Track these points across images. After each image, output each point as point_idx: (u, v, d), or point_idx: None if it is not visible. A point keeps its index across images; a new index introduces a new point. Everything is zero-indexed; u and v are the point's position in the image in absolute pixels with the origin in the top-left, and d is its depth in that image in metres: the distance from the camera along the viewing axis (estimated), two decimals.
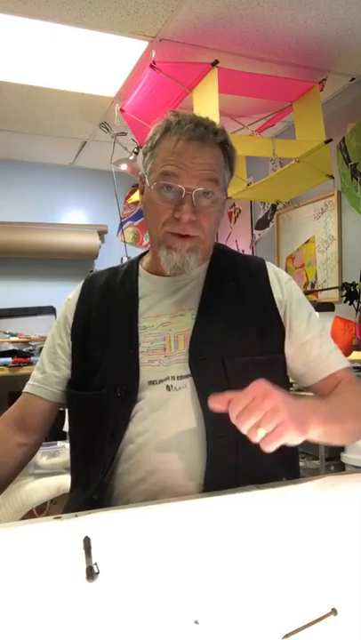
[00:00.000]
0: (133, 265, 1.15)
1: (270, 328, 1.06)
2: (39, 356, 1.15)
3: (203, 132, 0.98)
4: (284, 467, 1.05)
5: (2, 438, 1.09)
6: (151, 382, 1.00)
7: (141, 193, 1.09)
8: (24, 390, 1.14)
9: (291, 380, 1.14)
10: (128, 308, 1.07)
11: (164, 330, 1.03)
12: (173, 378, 0.99)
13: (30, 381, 1.14)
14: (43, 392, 1.11)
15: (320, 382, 1.09)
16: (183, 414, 0.98)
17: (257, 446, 0.98)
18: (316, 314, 1.17)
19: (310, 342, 1.09)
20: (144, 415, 0.98)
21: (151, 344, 1.02)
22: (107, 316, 1.07)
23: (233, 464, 0.97)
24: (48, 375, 1.11)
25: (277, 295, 1.09)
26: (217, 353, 1.00)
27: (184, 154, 0.97)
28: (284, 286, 1.11)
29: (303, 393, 1.16)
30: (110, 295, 1.10)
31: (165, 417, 0.98)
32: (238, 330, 1.03)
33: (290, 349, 1.08)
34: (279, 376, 1.07)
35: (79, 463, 1.09)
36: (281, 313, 1.08)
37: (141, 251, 1.21)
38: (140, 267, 1.14)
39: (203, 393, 0.97)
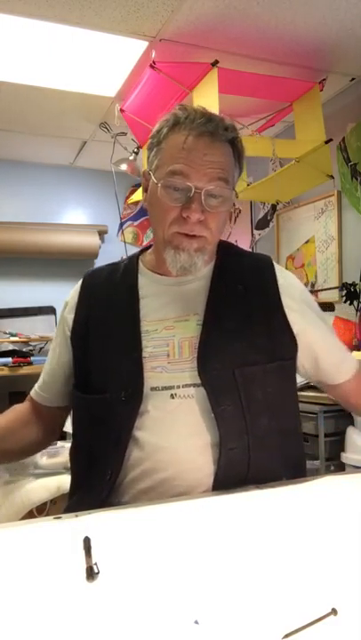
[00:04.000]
0: (133, 262, 1.11)
1: (280, 334, 1.03)
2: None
3: (213, 127, 0.95)
4: (295, 472, 1.03)
5: (23, 416, 1.13)
6: (154, 389, 0.97)
7: (145, 190, 1.04)
8: (30, 395, 1.16)
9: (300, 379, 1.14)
10: (130, 309, 1.03)
11: (167, 334, 1.00)
12: (178, 387, 0.96)
13: (36, 387, 1.15)
14: (46, 400, 1.13)
15: (341, 385, 1.12)
16: (192, 424, 0.95)
17: (267, 457, 0.98)
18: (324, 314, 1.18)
19: (325, 347, 1.09)
20: (150, 423, 0.96)
21: (154, 349, 0.99)
22: (108, 316, 1.04)
23: (243, 476, 0.95)
24: (50, 382, 1.13)
25: (286, 299, 1.05)
26: (226, 363, 0.97)
27: (194, 150, 0.93)
28: (294, 289, 1.08)
29: (313, 391, 1.18)
30: (111, 294, 1.07)
31: (174, 426, 0.95)
32: (247, 338, 0.99)
33: (303, 355, 1.06)
34: (289, 382, 1.07)
35: (81, 465, 1.06)
36: (290, 316, 1.04)
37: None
38: (141, 264, 1.10)
39: (217, 404, 0.95)
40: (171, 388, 0.97)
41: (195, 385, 0.96)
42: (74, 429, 1.09)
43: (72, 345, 1.07)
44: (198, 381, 0.96)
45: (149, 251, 1.12)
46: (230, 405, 0.95)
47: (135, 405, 0.96)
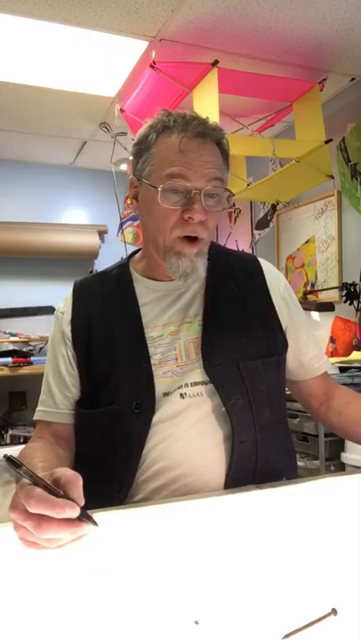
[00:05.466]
0: (124, 270, 1.09)
1: (273, 329, 1.07)
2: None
3: (203, 128, 0.96)
4: (288, 465, 1.09)
5: (51, 448, 0.97)
6: (166, 394, 0.98)
7: (134, 198, 1.03)
8: (36, 418, 1.05)
9: None
10: (131, 317, 1.02)
11: (173, 339, 1.01)
12: (187, 385, 0.98)
13: (41, 408, 1.05)
14: (59, 417, 1.03)
15: (312, 380, 1.16)
16: (203, 421, 0.97)
17: (270, 447, 1.01)
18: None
19: (307, 342, 1.14)
20: (162, 426, 0.96)
21: (162, 355, 0.99)
22: (108, 326, 1.02)
23: (252, 467, 0.98)
24: (58, 398, 1.04)
25: (275, 294, 1.09)
26: (230, 357, 0.99)
27: (189, 152, 0.94)
28: (280, 285, 1.12)
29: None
30: (107, 304, 1.05)
31: (185, 425, 0.96)
32: (245, 333, 1.02)
33: (289, 348, 1.10)
34: (282, 375, 1.10)
35: (87, 480, 1.00)
36: (279, 312, 1.08)
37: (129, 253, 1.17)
38: (133, 272, 1.09)
39: (227, 398, 0.97)
40: (180, 387, 0.98)
41: (203, 383, 0.98)
42: (76, 447, 1.04)
43: (75, 356, 1.03)
44: (206, 379, 0.98)
45: (137, 257, 1.12)
46: (240, 399, 0.98)
47: (148, 418, 0.96)
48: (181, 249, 0.97)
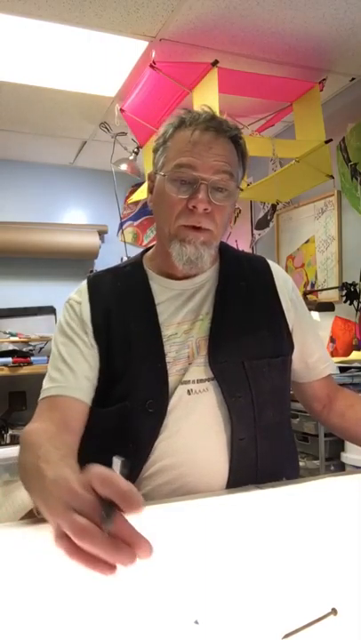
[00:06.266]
0: (139, 267, 1.09)
1: (280, 329, 1.07)
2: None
3: (218, 123, 0.97)
4: (291, 466, 1.09)
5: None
6: (174, 390, 0.98)
7: (150, 192, 1.05)
8: (48, 394, 0.96)
9: None
10: (148, 315, 1.02)
11: (186, 337, 1.01)
12: (193, 381, 0.99)
13: (54, 384, 0.97)
14: (80, 393, 0.96)
15: (316, 382, 1.15)
16: (207, 417, 0.98)
17: (271, 446, 1.02)
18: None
19: (313, 344, 1.14)
20: (166, 422, 0.97)
21: (177, 353, 1.00)
22: (125, 323, 1.01)
23: (253, 463, 0.98)
24: (80, 374, 0.97)
25: (283, 296, 1.10)
26: (235, 355, 1.00)
27: (199, 143, 0.95)
28: (288, 287, 1.13)
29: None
30: (124, 301, 1.04)
31: (189, 422, 0.97)
32: (252, 332, 1.03)
33: (295, 349, 1.10)
34: (286, 376, 1.10)
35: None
36: (287, 314, 1.09)
37: (141, 250, 1.17)
38: (147, 269, 1.08)
39: (230, 395, 0.98)
40: (187, 382, 0.98)
41: (208, 379, 0.99)
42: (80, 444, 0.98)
43: (96, 347, 1.00)
44: (211, 375, 0.99)
45: (150, 253, 1.12)
46: (242, 397, 0.98)
47: (161, 418, 0.96)
48: (186, 236, 0.97)
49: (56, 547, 0.55)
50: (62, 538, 0.55)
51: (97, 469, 0.56)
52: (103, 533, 0.52)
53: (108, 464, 0.96)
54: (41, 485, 0.65)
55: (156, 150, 1.03)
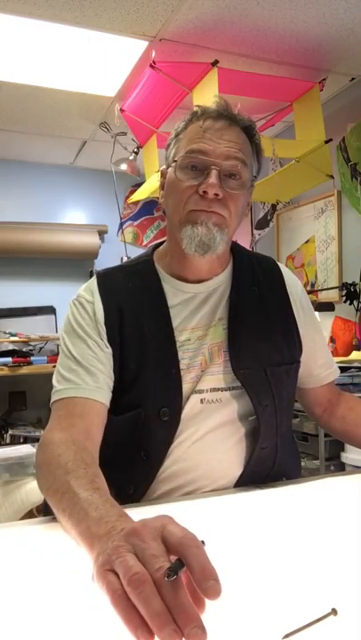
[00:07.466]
0: (150, 266, 1.04)
1: (292, 335, 1.05)
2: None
3: (229, 113, 0.96)
4: (295, 467, 1.09)
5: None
6: (187, 398, 0.96)
7: (162, 188, 1.01)
8: (68, 396, 0.89)
9: None
10: (162, 319, 0.98)
11: (200, 344, 0.98)
12: (207, 391, 0.96)
13: (70, 386, 0.90)
14: (101, 395, 0.91)
15: (319, 388, 1.14)
16: (220, 427, 0.96)
17: (286, 452, 1.02)
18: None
19: (320, 350, 1.12)
20: (182, 430, 0.94)
21: (190, 360, 0.97)
22: (139, 325, 0.97)
23: (266, 472, 0.99)
24: (101, 375, 0.92)
25: (294, 300, 1.07)
26: (257, 362, 0.98)
27: (211, 130, 0.93)
28: (298, 291, 1.10)
29: None
30: (136, 301, 0.99)
31: (201, 430, 0.95)
32: (269, 338, 1.00)
33: (303, 355, 1.08)
34: (295, 382, 1.09)
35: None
36: (297, 318, 1.06)
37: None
38: (159, 269, 1.03)
39: (259, 403, 0.96)
40: (201, 392, 0.96)
41: (223, 389, 0.97)
42: None
43: (110, 347, 0.95)
44: (228, 385, 0.97)
45: (161, 250, 1.07)
46: (268, 405, 0.98)
47: (174, 427, 0.94)
48: (197, 218, 0.92)
49: (96, 582, 0.49)
50: (109, 574, 0.48)
51: (189, 537, 0.50)
52: (157, 595, 0.44)
53: (121, 469, 0.91)
54: (89, 528, 0.58)
55: (168, 146, 1.01)
